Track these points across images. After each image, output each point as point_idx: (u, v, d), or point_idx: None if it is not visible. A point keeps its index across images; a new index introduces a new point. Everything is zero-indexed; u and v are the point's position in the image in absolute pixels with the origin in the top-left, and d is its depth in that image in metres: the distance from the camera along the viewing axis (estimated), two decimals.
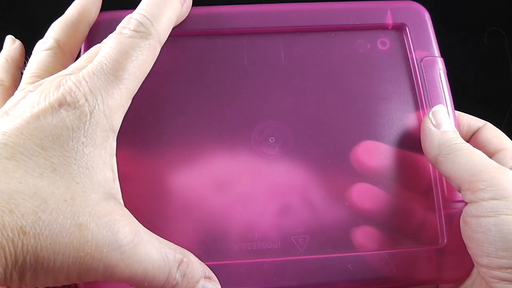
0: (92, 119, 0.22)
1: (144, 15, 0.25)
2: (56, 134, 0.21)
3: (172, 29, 0.26)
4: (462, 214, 0.26)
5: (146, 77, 0.25)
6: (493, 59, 0.49)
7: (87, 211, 0.21)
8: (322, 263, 0.27)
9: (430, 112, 0.28)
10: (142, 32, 0.24)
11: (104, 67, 0.23)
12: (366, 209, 0.28)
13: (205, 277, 0.24)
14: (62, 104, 0.22)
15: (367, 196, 0.28)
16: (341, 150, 0.28)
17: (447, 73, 0.30)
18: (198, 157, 0.27)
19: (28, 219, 0.19)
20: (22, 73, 0.30)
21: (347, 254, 0.27)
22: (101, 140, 0.23)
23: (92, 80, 0.22)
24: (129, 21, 0.25)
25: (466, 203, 0.26)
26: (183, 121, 0.28)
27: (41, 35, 0.28)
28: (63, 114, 0.22)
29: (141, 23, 0.25)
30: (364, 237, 0.27)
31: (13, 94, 0.24)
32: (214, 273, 0.25)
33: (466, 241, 0.26)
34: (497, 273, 0.24)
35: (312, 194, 0.28)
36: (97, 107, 0.22)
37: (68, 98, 0.22)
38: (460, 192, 0.26)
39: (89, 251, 0.20)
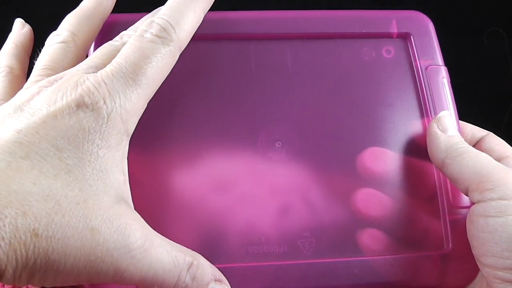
0: (109, 122, 0.22)
1: (167, 21, 0.24)
2: (72, 135, 0.21)
3: None
4: (468, 213, 0.26)
5: None
6: (493, 59, 0.50)
7: (99, 214, 0.20)
8: (328, 267, 0.27)
9: (436, 118, 0.28)
10: (164, 38, 0.24)
11: (124, 70, 0.23)
12: (372, 214, 0.28)
13: (215, 280, 0.24)
14: (80, 105, 0.21)
15: (373, 201, 0.28)
16: (347, 155, 0.28)
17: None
18: (204, 160, 0.28)
19: (41, 222, 0.19)
20: (31, 61, 0.29)
21: (353, 258, 0.27)
22: (115, 143, 0.22)
23: (112, 82, 0.22)
24: (151, 25, 0.24)
25: (472, 205, 0.26)
26: (190, 124, 0.28)
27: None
28: (81, 115, 0.21)
29: (163, 28, 0.24)
30: (370, 241, 0.28)
31: (22, 83, 0.24)
32: None
33: (471, 241, 0.26)
34: (501, 273, 0.24)
35: (318, 199, 0.28)
36: (114, 110, 0.22)
37: (86, 99, 0.21)
38: (466, 194, 0.26)
39: (100, 254, 0.20)
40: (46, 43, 0.27)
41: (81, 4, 0.28)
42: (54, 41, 0.26)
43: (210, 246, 0.27)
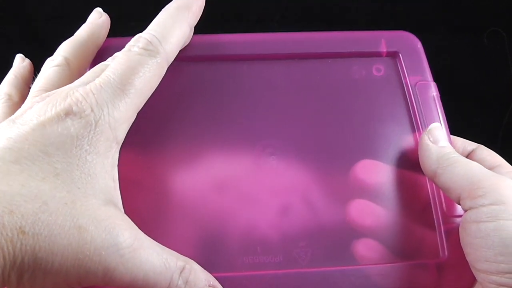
0: (97, 129, 0.23)
1: (154, 35, 0.26)
2: (61, 141, 0.22)
3: (179, 54, 0.27)
4: (461, 221, 0.26)
5: (152, 96, 0.26)
6: (493, 59, 0.50)
7: (87, 214, 0.21)
8: (325, 276, 0.27)
9: (428, 129, 0.29)
10: (150, 50, 0.25)
11: (111, 81, 0.24)
12: (367, 225, 0.28)
13: (209, 286, 0.24)
14: (68, 113, 0.22)
15: (368, 212, 0.29)
16: (341, 169, 0.29)
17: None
18: (201, 173, 0.28)
19: (28, 220, 0.19)
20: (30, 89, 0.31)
21: (349, 267, 0.28)
22: (104, 150, 0.23)
23: (100, 92, 0.23)
24: (139, 40, 0.25)
25: (465, 212, 0.26)
26: (185, 140, 0.29)
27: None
28: (69, 123, 0.22)
29: (150, 42, 0.25)
30: (366, 251, 0.28)
31: None
32: None
33: (465, 247, 0.26)
34: (495, 278, 0.24)
35: (313, 209, 0.28)
36: (102, 117, 0.23)
37: (74, 108, 0.22)
38: (458, 203, 0.27)
39: (88, 253, 0.20)
40: (42, 68, 0.28)
41: (76, 33, 0.29)
42: (49, 66, 0.28)
43: (206, 256, 0.27)
